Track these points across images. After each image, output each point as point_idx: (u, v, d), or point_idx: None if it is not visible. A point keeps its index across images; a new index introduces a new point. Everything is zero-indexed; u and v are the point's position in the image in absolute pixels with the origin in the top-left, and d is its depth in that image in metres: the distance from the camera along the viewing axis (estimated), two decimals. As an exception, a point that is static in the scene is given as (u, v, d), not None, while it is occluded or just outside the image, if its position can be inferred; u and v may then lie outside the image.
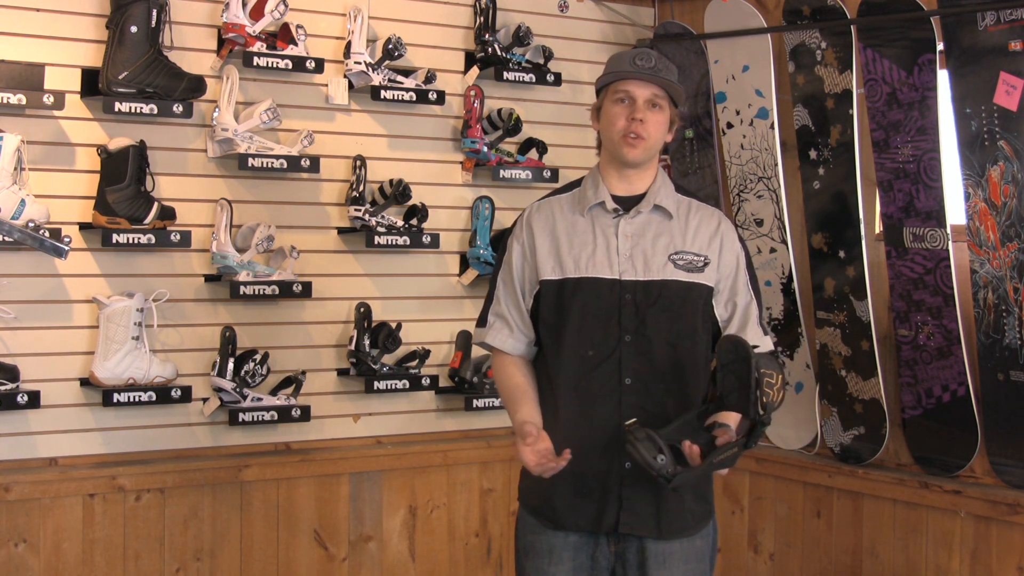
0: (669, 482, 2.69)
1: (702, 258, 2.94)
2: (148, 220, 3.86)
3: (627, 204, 2.96)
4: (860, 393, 4.32)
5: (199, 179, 4.07)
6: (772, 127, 4.47)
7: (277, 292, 4.08)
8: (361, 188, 4.27)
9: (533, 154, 4.64)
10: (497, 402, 4.46)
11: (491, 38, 4.52)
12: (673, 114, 2.96)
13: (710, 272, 2.95)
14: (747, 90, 4.53)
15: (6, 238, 3.59)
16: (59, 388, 3.85)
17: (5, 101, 3.59)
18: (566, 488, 2.92)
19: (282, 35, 4.12)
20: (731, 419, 2.79)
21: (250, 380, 4.05)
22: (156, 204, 3.88)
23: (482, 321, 3.07)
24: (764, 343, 2.99)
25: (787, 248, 4.48)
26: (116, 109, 3.79)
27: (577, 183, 3.07)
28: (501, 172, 4.52)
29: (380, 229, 4.28)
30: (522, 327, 3.01)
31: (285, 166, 4.09)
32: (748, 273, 3.01)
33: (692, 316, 2.92)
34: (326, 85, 4.28)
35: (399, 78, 4.33)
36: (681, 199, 3.01)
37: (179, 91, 3.88)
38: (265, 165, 4.05)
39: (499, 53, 4.52)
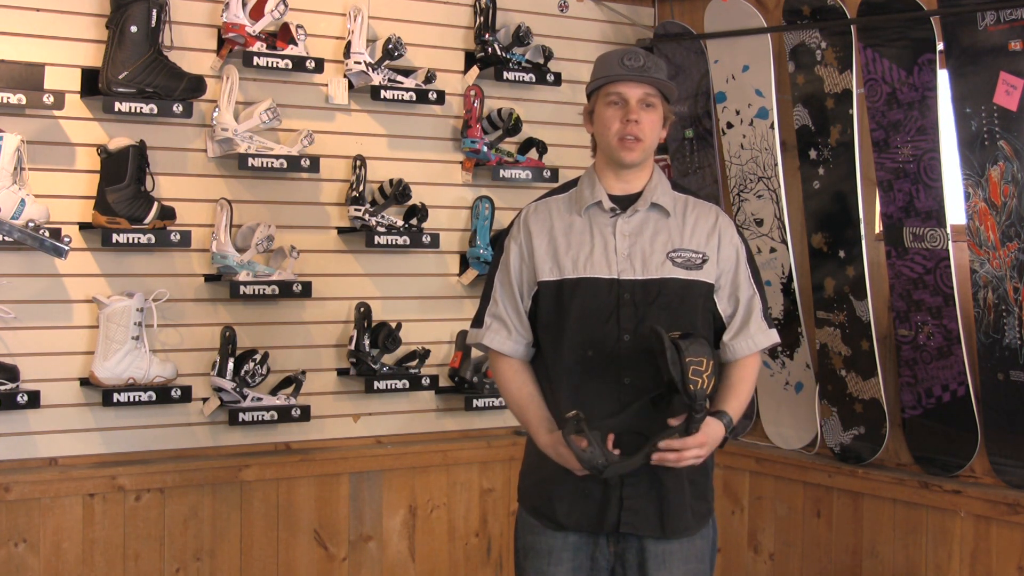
0: (601, 473, 2.74)
1: (700, 255, 2.94)
2: (148, 220, 3.86)
3: (624, 203, 2.96)
4: (860, 393, 4.32)
5: (199, 179, 4.07)
6: (772, 127, 4.46)
7: (277, 292, 4.08)
8: (361, 188, 4.27)
9: (533, 154, 4.64)
10: (497, 402, 4.45)
11: (491, 38, 4.51)
12: (666, 111, 2.96)
13: (709, 269, 2.94)
14: (747, 90, 4.52)
15: (6, 238, 3.59)
16: (59, 388, 3.85)
17: (5, 101, 3.59)
18: (567, 489, 2.92)
19: (282, 35, 4.12)
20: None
21: (250, 380, 4.05)
22: (156, 204, 3.89)
23: (478, 322, 3.05)
24: (769, 336, 2.99)
25: (787, 248, 4.48)
26: (116, 109, 3.80)
27: (573, 183, 3.07)
28: (501, 172, 4.52)
29: (380, 229, 4.28)
30: (520, 329, 3.00)
31: (285, 166, 4.09)
32: (749, 267, 3.00)
33: (691, 314, 2.91)
34: (326, 85, 4.28)
35: (399, 78, 4.33)
36: (678, 196, 3.00)
37: (179, 91, 3.88)
38: (265, 165, 4.05)
39: (499, 53, 4.52)
